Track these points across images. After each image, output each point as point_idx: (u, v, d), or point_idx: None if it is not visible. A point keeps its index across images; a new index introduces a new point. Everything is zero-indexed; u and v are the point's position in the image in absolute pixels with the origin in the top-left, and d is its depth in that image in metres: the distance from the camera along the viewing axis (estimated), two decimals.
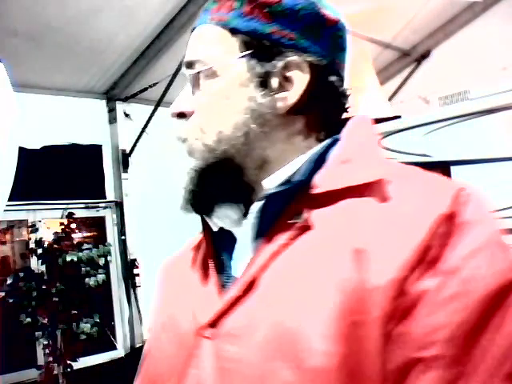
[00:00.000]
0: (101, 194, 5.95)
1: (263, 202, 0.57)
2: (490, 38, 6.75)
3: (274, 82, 0.59)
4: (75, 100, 5.70)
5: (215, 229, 0.64)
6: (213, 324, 0.56)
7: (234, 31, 0.60)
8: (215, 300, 0.58)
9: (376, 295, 0.47)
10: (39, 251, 4.73)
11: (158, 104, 5.60)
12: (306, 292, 0.50)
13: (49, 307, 4.47)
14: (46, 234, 5.00)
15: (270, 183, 0.58)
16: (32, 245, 4.86)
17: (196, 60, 0.63)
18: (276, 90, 0.59)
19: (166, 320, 0.66)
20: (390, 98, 7.57)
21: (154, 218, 5.88)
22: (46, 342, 4.52)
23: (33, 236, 4.90)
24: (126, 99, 5.99)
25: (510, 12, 6.70)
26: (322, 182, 0.56)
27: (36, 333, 4.51)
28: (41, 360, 4.82)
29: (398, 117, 6.41)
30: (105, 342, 5.51)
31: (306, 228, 0.54)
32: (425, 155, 5.60)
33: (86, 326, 4.59)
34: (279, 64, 0.58)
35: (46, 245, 4.77)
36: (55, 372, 4.49)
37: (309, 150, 0.61)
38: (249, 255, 0.58)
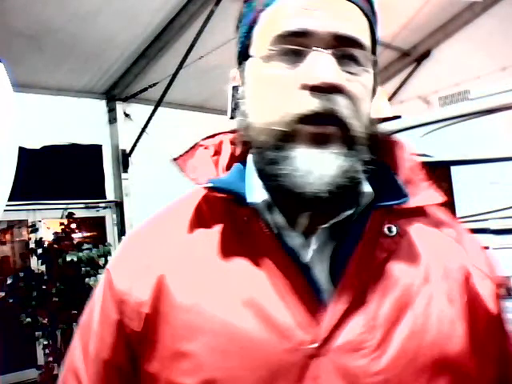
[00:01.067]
0: (101, 194, 5.95)
1: (360, 210, 0.58)
2: (490, 38, 6.75)
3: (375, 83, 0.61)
4: (75, 100, 5.69)
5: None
6: (324, 339, 0.51)
7: (372, 29, 0.59)
8: (318, 314, 0.52)
9: (483, 303, 0.58)
10: (39, 251, 4.73)
11: (158, 104, 5.60)
12: (431, 303, 0.55)
13: (49, 307, 4.46)
14: (46, 234, 5.00)
15: (371, 192, 0.58)
16: (32, 245, 4.86)
17: (359, 41, 0.55)
18: (375, 92, 0.61)
19: (231, 337, 0.52)
20: (390, 98, 7.57)
21: None
22: (46, 342, 4.52)
23: (33, 236, 4.90)
24: (125, 99, 5.99)
25: (510, 12, 6.70)
26: (412, 199, 0.60)
27: (36, 333, 4.51)
28: (41, 360, 4.82)
29: (398, 117, 6.41)
30: None
31: (398, 241, 0.57)
32: (425, 155, 5.59)
33: None
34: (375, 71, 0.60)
35: (46, 245, 4.77)
36: (55, 372, 4.49)
37: None
38: (324, 266, 0.55)
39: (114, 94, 5.97)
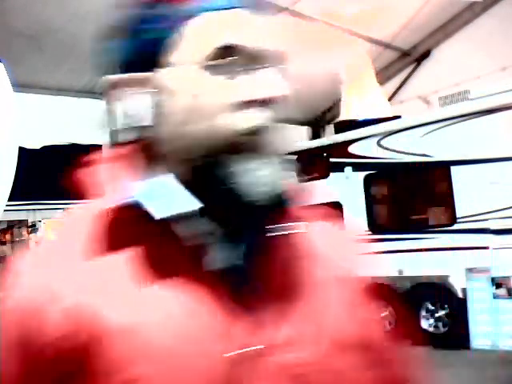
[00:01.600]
0: None
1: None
2: (490, 38, 6.76)
3: None
4: (75, 100, 5.69)
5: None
6: (264, 342, 0.50)
7: None
8: (241, 318, 0.50)
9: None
10: None
11: None
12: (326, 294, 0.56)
13: None
14: (46, 234, 5.00)
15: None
16: (32, 245, 4.86)
17: (280, 53, 0.58)
18: None
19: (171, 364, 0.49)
20: (390, 98, 7.57)
21: None
22: None
23: (33, 236, 4.90)
24: None
25: (510, 12, 6.71)
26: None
27: None
28: None
29: (398, 117, 6.41)
30: None
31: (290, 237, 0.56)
32: (425, 155, 5.60)
33: None
34: None
35: None
36: None
37: None
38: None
39: None
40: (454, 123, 5.25)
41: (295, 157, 6.29)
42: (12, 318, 0.51)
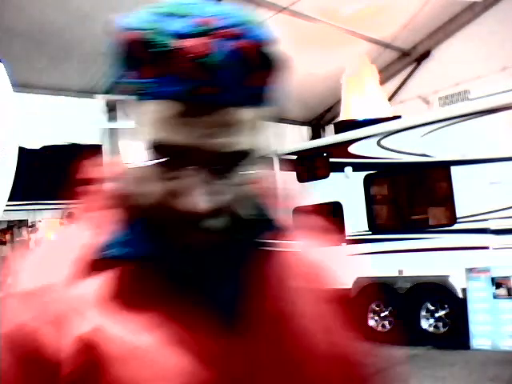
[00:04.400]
0: None
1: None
2: (490, 38, 6.76)
3: None
4: (75, 100, 5.69)
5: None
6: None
7: None
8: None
9: None
10: None
11: None
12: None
13: None
14: (46, 234, 5.01)
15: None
16: (32, 245, 4.86)
17: None
18: None
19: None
20: (390, 98, 7.57)
21: None
22: None
23: (33, 236, 4.90)
24: None
25: (510, 12, 6.71)
26: None
27: None
28: None
29: (398, 117, 6.41)
30: None
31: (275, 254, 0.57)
32: (425, 155, 5.60)
33: None
34: None
35: None
36: None
37: None
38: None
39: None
40: (454, 123, 5.25)
41: (295, 157, 6.30)
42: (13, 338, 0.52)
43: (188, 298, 0.52)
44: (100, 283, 0.52)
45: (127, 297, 0.52)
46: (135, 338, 0.51)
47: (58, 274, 0.54)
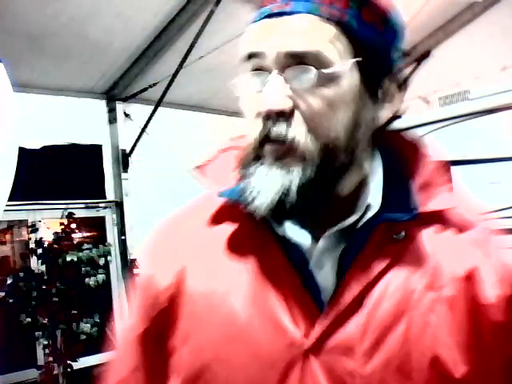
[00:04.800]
0: (101, 194, 5.95)
1: (362, 223, 0.59)
2: (490, 38, 6.75)
3: (380, 94, 0.60)
4: (75, 100, 5.69)
5: (288, 237, 0.60)
6: (316, 340, 0.55)
7: (353, 35, 0.56)
8: (314, 315, 0.55)
9: (489, 310, 0.53)
10: (39, 251, 4.73)
11: (158, 104, 5.60)
12: (425, 311, 0.54)
13: (49, 307, 4.46)
14: (46, 234, 5.00)
15: (375, 201, 0.59)
16: (32, 245, 4.86)
17: (312, 54, 0.54)
18: (380, 103, 0.60)
19: (233, 328, 0.58)
20: None
21: (154, 218, 5.86)
22: (46, 342, 4.52)
23: (33, 236, 4.90)
24: (125, 99, 5.99)
25: (510, 12, 6.70)
26: (424, 204, 0.59)
27: (36, 333, 4.51)
28: (41, 360, 4.82)
29: (398, 117, 6.38)
30: (105, 341, 5.50)
31: (405, 246, 0.57)
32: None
33: (85, 326, 4.59)
34: (387, 79, 0.60)
35: (46, 245, 4.77)
36: (55, 372, 4.49)
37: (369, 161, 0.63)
38: (332, 268, 0.58)
39: (114, 93, 5.97)
40: (454, 123, 5.24)
41: None
42: (141, 266, 0.75)
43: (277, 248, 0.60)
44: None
45: (232, 242, 0.63)
46: (212, 282, 0.61)
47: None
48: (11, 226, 5.38)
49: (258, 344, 0.56)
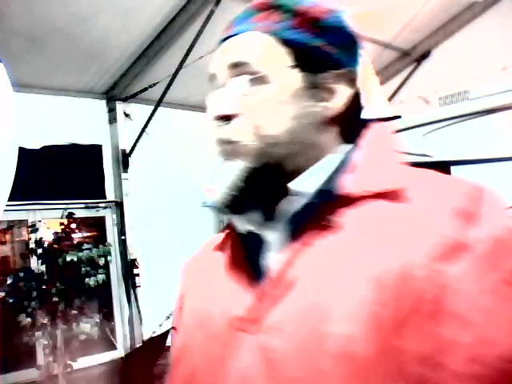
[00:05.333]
0: (101, 194, 5.96)
1: (299, 207, 0.62)
2: (490, 38, 6.75)
3: (322, 92, 0.64)
4: (75, 100, 5.70)
5: (243, 230, 0.67)
6: (252, 319, 0.60)
7: (285, 41, 0.64)
8: (251, 297, 0.62)
9: (406, 285, 0.51)
10: (39, 251, 4.73)
11: (157, 104, 5.60)
12: (337, 284, 0.55)
13: (49, 307, 4.47)
14: (46, 234, 5.01)
15: (303, 187, 0.63)
16: (32, 245, 4.86)
17: (246, 62, 0.64)
18: (323, 100, 0.64)
19: (200, 317, 0.68)
20: (390, 98, 7.57)
21: (154, 218, 5.88)
22: (46, 342, 4.52)
23: (33, 236, 4.90)
24: (125, 99, 5.99)
25: (510, 12, 6.70)
26: (353, 187, 0.61)
27: (36, 333, 4.51)
28: (41, 360, 4.82)
29: (398, 117, 6.38)
30: (105, 342, 5.51)
31: (337, 228, 0.59)
32: (425, 155, 5.60)
33: (85, 326, 4.59)
34: (328, 76, 0.64)
35: (46, 245, 4.77)
36: (55, 372, 4.49)
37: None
38: (280, 255, 0.63)
39: (114, 93, 5.97)
40: (454, 123, 5.25)
41: None
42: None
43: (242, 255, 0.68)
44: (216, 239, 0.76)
45: (221, 247, 0.73)
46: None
47: None
48: (11, 225, 5.38)
49: (210, 325, 0.65)
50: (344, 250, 0.57)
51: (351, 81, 0.66)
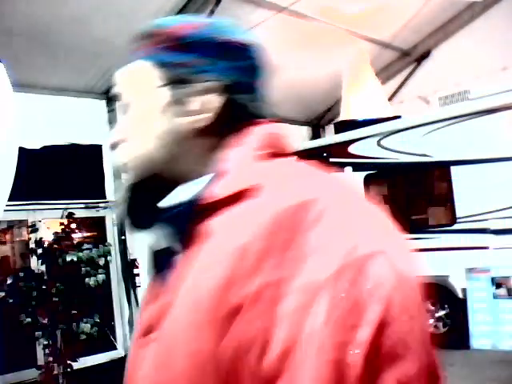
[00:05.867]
0: (101, 194, 5.95)
1: (165, 222, 0.66)
2: (490, 38, 6.76)
3: (191, 105, 0.67)
4: (75, 100, 5.70)
5: (155, 247, 0.70)
6: (149, 328, 0.64)
7: (158, 64, 0.69)
8: (151, 308, 0.66)
9: (209, 300, 0.55)
10: (39, 251, 4.73)
11: None
12: (183, 294, 0.60)
13: (49, 307, 4.47)
14: (46, 234, 5.00)
15: (168, 202, 0.68)
16: (32, 245, 4.86)
17: (118, 93, 0.72)
18: (193, 113, 0.66)
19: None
20: (390, 98, 7.57)
21: None
22: (46, 342, 4.52)
23: (33, 236, 4.90)
24: None
25: (510, 12, 6.71)
26: (209, 194, 0.63)
27: (36, 333, 4.51)
28: (41, 360, 4.82)
29: (398, 117, 6.42)
30: (105, 341, 5.51)
31: (208, 234, 0.61)
32: (425, 155, 5.61)
33: (85, 326, 4.59)
34: (194, 89, 0.66)
35: (46, 245, 4.77)
36: (55, 372, 4.49)
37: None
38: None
39: (114, 94, 5.97)
40: (454, 123, 5.25)
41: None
42: None
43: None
44: None
45: None
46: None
47: None
48: (11, 226, 5.38)
49: (136, 335, 0.69)
50: (199, 260, 0.60)
51: (225, 89, 0.66)
